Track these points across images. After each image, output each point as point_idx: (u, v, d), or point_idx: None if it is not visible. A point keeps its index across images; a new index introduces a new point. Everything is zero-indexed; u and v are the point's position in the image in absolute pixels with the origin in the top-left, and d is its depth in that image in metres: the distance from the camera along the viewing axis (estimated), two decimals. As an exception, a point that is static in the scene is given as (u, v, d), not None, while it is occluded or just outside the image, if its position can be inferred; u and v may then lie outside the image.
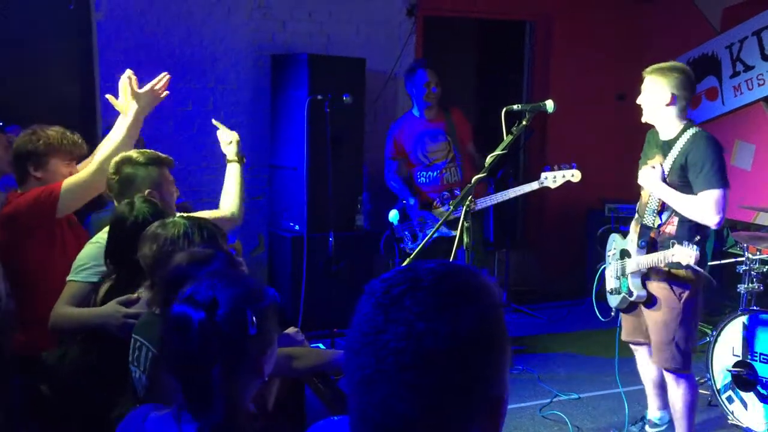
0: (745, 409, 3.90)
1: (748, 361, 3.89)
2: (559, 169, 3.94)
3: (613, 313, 3.79)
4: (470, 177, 4.96)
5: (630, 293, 3.50)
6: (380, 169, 6.37)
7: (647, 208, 3.46)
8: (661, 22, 6.97)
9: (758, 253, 4.25)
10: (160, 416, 1.47)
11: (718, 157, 3.29)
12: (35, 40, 5.16)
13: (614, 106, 7.03)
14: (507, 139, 3.11)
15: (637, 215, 3.60)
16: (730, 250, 5.64)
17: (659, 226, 3.44)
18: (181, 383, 1.46)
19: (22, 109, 4.89)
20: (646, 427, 3.92)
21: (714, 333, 4.06)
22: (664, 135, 3.46)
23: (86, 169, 2.96)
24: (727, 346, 3.98)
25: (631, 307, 3.64)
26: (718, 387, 4.01)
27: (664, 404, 3.83)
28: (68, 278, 2.66)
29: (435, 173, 5.08)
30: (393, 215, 4.92)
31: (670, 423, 3.82)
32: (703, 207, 3.26)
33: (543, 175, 3.97)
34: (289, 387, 2.47)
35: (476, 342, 0.88)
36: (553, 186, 3.99)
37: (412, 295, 0.88)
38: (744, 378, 3.88)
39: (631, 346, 3.84)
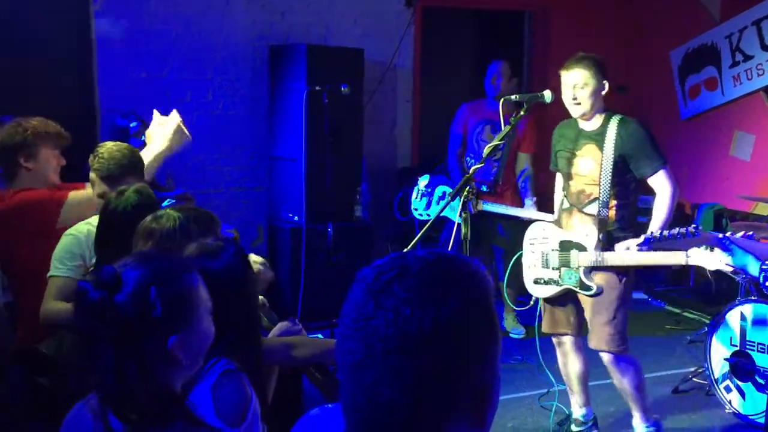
0: (742, 398, 3.92)
1: (746, 350, 3.90)
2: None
3: (531, 303, 3.73)
4: (506, 183, 5.07)
5: (585, 287, 3.44)
6: (380, 160, 6.39)
7: (599, 200, 3.41)
8: (660, 12, 6.96)
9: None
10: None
11: (647, 135, 3.41)
12: (33, 31, 5.14)
13: (614, 97, 7.01)
14: (505, 129, 3.12)
15: (568, 204, 3.55)
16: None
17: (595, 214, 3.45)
18: (82, 360, 1.47)
19: (20, 100, 4.88)
20: (572, 426, 3.84)
21: (712, 323, 4.07)
22: (589, 126, 3.49)
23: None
24: (725, 336, 3.99)
25: (562, 298, 3.58)
26: (716, 376, 4.03)
27: (588, 400, 3.80)
28: (49, 274, 2.67)
29: (473, 163, 5.04)
30: (424, 178, 4.95)
31: (593, 422, 3.81)
32: (664, 192, 3.38)
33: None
34: (287, 376, 2.48)
35: (461, 329, 0.89)
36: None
37: (401, 282, 0.89)
38: (742, 367, 3.90)
39: (555, 339, 3.74)
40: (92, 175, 2.86)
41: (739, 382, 3.94)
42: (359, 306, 0.91)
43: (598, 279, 3.45)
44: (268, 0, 5.91)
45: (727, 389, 3.99)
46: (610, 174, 3.39)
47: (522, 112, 3.20)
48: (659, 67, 6.91)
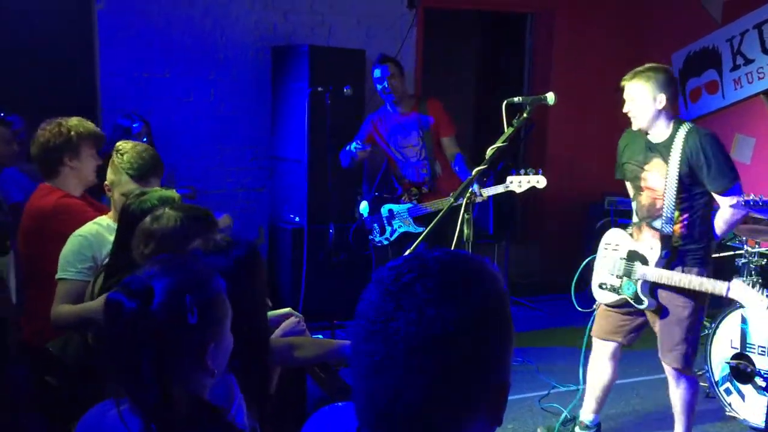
0: (743, 400, 3.93)
1: (746, 353, 3.91)
2: (526, 174, 3.96)
3: (595, 306, 3.70)
4: (444, 173, 4.91)
5: (638, 300, 3.42)
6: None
7: (664, 215, 3.33)
8: (662, 14, 6.97)
9: (757, 246, 4.27)
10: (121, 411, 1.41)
11: (720, 150, 3.27)
12: (36, 30, 5.15)
13: (615, 99, 7.02)
14: (507, 131, 3.11)
15: (638, 219, 3.51)
16: (728, 243, 5.64)
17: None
18: (114, 370, 1.41)
19: (23, 99, 4.89)
20: (576, 429, 3.84)
21: (713, 325, 4.08)
22: (656, 137, 3.38)
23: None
24: (726, 339, 4.00)
25: (618, 308, 3.56)
26: (716, 379, 4.03)
27: (600, 408, 3.79)
28: (57, 276, 2.68)
29: (411, 170, 4.97)
30: (363, 206, 4.94)
31: (599, 426, 3.82)
32: (732, 210, 3.25)
33: (509, 179, 4.02)
34: (290, 376, 2.49)
35: (482, 328, 0.91)
36: (518, 190, 4.02)
37: (423, 283, 0.90)
38: (742, 370, 3.91)
39: (598, 342, 3.70)
40: (117, 175, 2.89)
41: (740, 385, 3.94)
42: (378, 307, 0.91)
43: (667, 297, 3.39)
44: (270, 0, 5.92)
45: (728, 392, 4.00)
46: (675, 189, 3.29)
47: (525, 114, 3.19)
48: (660, 70, 6.91)
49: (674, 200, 3.29)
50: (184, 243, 1.99)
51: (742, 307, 3.95)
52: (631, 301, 3.43)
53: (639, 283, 3.39)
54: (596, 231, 6.29)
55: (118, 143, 3.02)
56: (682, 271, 3.32)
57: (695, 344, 3.44)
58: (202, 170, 5.88)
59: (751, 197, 3.14)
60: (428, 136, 4.86)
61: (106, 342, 1.43)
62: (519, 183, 3.99)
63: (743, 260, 4.23)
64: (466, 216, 3.03)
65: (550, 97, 3.24)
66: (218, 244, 1.85)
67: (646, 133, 3.41)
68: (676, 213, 3.32)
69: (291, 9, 6.00)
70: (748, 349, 3.91)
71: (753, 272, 4.19)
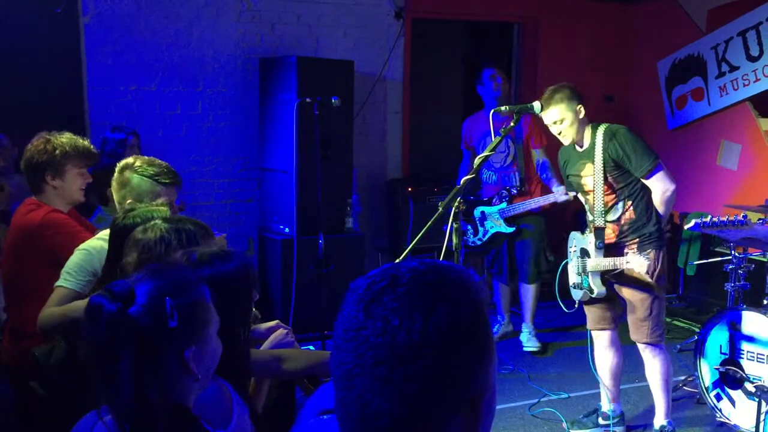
0: (733, 406, 3.94)
1: (736, 359, 3.92)
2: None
3: (576, 306, 3.94)
4: (531, 181, 5.30)
5: (591, 290, 3.72)
6: (370, 172, 6.41)
7: (595, 211, 3.70)
8: (647, 23, 7.03)
9: (744, 251, 4.29)
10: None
11: (635, 139, 3.59)
12: (22, 43, 5.14)
13: (601, 107, 7.08)
14: (495, 140, 3.14)
15: (589, 216, 3.78)
16: (717, 249, 5.68)
17: (619, 218, 3.67)
18: (93, 373, 1.42)
19: (9, 112, 4.88)
20: (599, 420, 4.02)
21: (702, 331, 4.09)
22: (582, 146, 3.70)
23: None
24: (715, 345, 4.02)
25: (592, 300, 3.84)
26: (707, 385, 4.05)
27: (617, 396, 4.00)
28: (56, 284, 2.65)
29: (495, 175, 5.35)
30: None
31: (621, 417, 3.99)
32: (662, 189, 3.58)
33: (555, 189, 4.72)
34: (278, 389, 2.48)
35: (449, 338, 0.89)
36: (561, 199, 4.79)
37: (390, 292, 0.90)
38: (732, 376, 3.92)
39: (594, 333, 3.97)
40: (135, 190, 2.78)
41: (730, 390, 3.96)
42: (351, 316, 0.91)
43: (628, 278, 3.68)
44: (258, 12, 5.93)
45: (718, 397, 4.01)
46: (602, 185, 3.64)
47: (512, 124, 3.25)
48: (647, 78, 6.97)
49: (602, 196, 3.65)
50: (165, 255, 1.99)
51: (731, 312, 3.98)
52: (589, 293, 3.75)
53: (589, 274, 3.71)
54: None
55: (130, 159, 2.89)
56: (639, 253, 3.59)
57: (658, 319, 3.71)
58: (191, 182, 5.86)
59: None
60: (519, 146, 5.27)
61: (86, 344, 1.43)
62: (565, 192, 4.68)
63: (731, 266, 4.25)
64: (454, 225, 3.04)
65: (537, 106, 3.32)
66: (201, 257, 1.84)
67: (575, 145, 3.74)
68: (621, 203, 3.64)
69: (278, 21, 6.01)
70: (737, 354, 3.92)
71: (741, 278, 4.21)
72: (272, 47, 5.96)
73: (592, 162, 3.64)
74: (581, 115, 3.64)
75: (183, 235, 2.03)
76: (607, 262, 3.63)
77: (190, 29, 5.73)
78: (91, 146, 3.15)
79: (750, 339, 3.88)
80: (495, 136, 3.24)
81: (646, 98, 7.00)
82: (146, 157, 2.88)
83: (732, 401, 3.94)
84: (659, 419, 3.81)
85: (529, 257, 5.32)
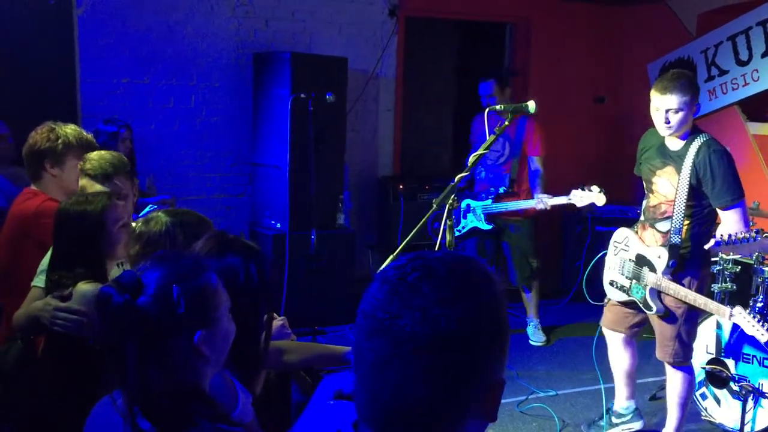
0: (718, 405, 4.00)
1: (722, 358, 3.98)
2: (589, 190, 4.38)
3: (606, 302, 3.84)
4: (520, 185, 5.25)
5: (647, 306, 3.53)
6: (362, 169, 6.43)
7: (671, 226, 3.43)
8: (637, 26, 7.08)
9: (731, 253, 4.33)
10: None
11: (728, 166, 3.34)
12: (16, 35, 5.12)
13: (592, 107, 7.15)
14: (490, 138, 3.17)
15: (643, 218, 3.61)
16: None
17: (668, 231, 3.48)
18: (107, 361, 1.47)
19: (2, 103, 4.86)
20: (612, 418, 4.00)
21: (688, 331, 4.14)
22: (673, 145, 3.47)
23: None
24: (702, 344, 4.07)
25: (625, 304, 3.70)
26: (693, 384, 4.10)
27: (631, 394, 3.96)
28: (33, 283, 2.66)
29: (485, 173, 5.34)
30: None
31: (635, 413, 3.96)
32: (736, 228, 3.31)
33: (573, 192, 4.52)
34: (274, 381, 2.49)
35: (484, 327, 0.95)
36: (578, 204, 4.54)
37: (428, 283, 0.94)
38: (717, 375, 3.97)
39: (608, 332, 3.88)
40: (84, 179, 2.90)
41: (715, 390, 4.01)
42: (384, 305, 0.94)
43: (667, 302, 3.51)
44: (252, 7, 5.93)
45: (703, 396, 4.07)
46: (685, 199, 3.38)
47: (506, 123, 3.25)
48: (637, 79, 7.02)
49: (683, 209, 3.38)
50: (168, 247, 2.01)
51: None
52: (640, 305, 3.57)
53: (647, 289, 3.50)
54: (575, 237, 6.37)
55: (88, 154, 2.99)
56: (682, 276, 3.45)
57: (688, 340, 3.58)
58: (182, 176, 5.86)
59: (728, 236, 3.21)
60: (514, 148, 5.24)
61: (100, 334, 1.46)
62: (581, 197, 4.47)
63: (718, 267, 4.29)
64: (448, 222, 3.07)
65: (531, 105, 3.32)
66: (206, 248, 1.86)
67: (665, 141, 3.49)
68: (686, 221, 3.42)
69: (272, 16, 6.02)
70: (723, 354, 3.98)
71: (728, 279, 4.26)
72: (266, 42, 5.97)
73: (677, 169, 3.39)
74: (692, 115, 3.39)
75: (187, 228, 2.05)
76: (681, 293, 3.38)
77: (184, 23, 5.72)
78: (94, 140, 3.20)
79: (736, 339, 3.93)
80: (489, 135, 3.27)
81: (636, 100, 7.04)
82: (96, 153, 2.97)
83: (717, 400, 4.00)
84: None
85: (514, 260, 5.36)
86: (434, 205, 3.12)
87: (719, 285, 4.26)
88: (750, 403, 3.69)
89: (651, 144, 3.61)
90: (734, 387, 3.89)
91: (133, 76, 5.62)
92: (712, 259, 4.55)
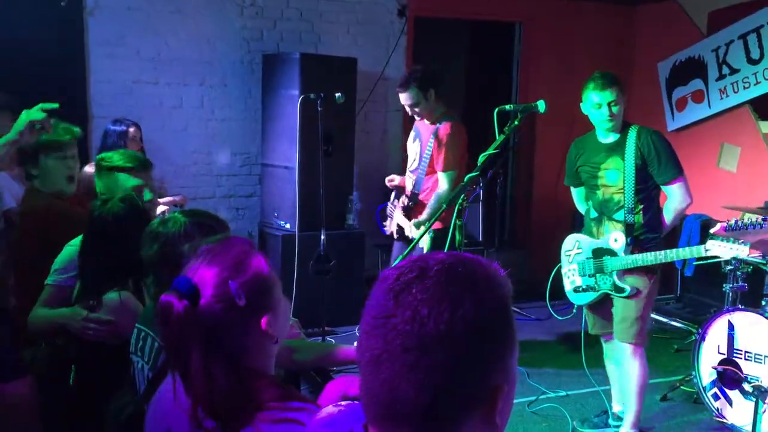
0: (730, 406, 3.97)
1: (733, 358, 3.95)
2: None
3: (575, 311, 3.95)
4: (425, 197, 4.60)
5: (618, 289, 3.68)
6: (370, 170, 6.42)
7: (623, 207, 3.64)
8: (648, 25, 7.06)
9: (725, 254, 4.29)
10: None
11: (668, 146, 3.61)
12: (27, 35, 5.15)
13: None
14: (499, 138, 3.14)
15: (597, 214, 3.77)
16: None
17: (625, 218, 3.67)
18: (170, 362, 1.48)
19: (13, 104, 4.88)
20: (609, 420, 4.02)
21: (700, 331, 4.12)
22: (609, 139, 3.68)
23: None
24: (713, 345, 4.04)
25: (600, 303, 3.82)
26: (704, 384, 4.07)
27: None
28: (46, 281, 2.68)
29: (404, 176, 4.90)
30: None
31: None
32: (680, 198, 3.61)
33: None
34: (283, 380, 2.49)
35: (474, 330, 0.93)
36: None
37: (419, 283, 0.94)
38: (729, 376, 3.95)
39: (603, 339, 3.98)
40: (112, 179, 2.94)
41: (727, 390, 3.98)
42: (380, 305, 0.95)
43: (631, 281, 3.66)
44: (261, 9, 5.94)
45: (715, 397, 4.04)
46: (633, 182, 3.61)
47: (516, 122, 3.22)
48: (647, 79, 7.00)
49: (633, 191, 3.61)
50: (190, 248, 2.00)
51: (728, 312, 4.01)
52: (612, 293, 3.70)
53: (614, 274, 3.65)
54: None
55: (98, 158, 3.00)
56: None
57: (648, 318, 3.74)
58: (192, 177, 5.88)
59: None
60: (426, 154, 4.61)
61: (162, 342, 1.48)
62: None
63: (729, 267, 4.27)
64: (458, 222, 3.06)
65: (541, 104, 3.28)
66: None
67: (597, 137, 3.73)
68: (637, 205, 3.62)
69: (281, 17, 6.03)
70: (735, 354, 3.95)
71: (739, 278, 4.24)
72: (274, 43, 5.98)
73: (621, 157, 3.62)
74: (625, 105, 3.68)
75: (205, 228, 2.05)
76: (649, 257, 3.56)
77: (193, 25, 5.74)
78: (68, 135, 3.22)
79: (747, 339, 3.91)
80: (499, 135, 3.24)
81: (646, 99, 7.03)
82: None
83: (729, 401, 3.97)
84: (626, 428, 3.77)
85: None
86: (443, 206, 3.11)
87: (731, 284, 4.24)
88: (762, 404, 3.66)
89: (585, 148, 3.81)
90: (747, 387, 3.87)
91: (142, 77, 5.64)
92: (723, 259, 4.53)
